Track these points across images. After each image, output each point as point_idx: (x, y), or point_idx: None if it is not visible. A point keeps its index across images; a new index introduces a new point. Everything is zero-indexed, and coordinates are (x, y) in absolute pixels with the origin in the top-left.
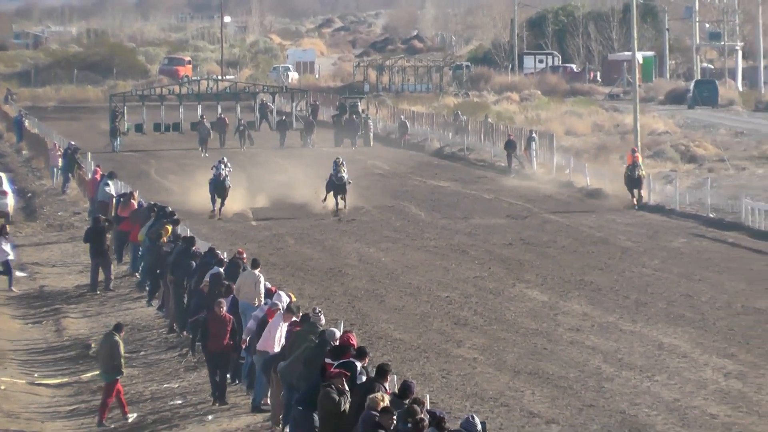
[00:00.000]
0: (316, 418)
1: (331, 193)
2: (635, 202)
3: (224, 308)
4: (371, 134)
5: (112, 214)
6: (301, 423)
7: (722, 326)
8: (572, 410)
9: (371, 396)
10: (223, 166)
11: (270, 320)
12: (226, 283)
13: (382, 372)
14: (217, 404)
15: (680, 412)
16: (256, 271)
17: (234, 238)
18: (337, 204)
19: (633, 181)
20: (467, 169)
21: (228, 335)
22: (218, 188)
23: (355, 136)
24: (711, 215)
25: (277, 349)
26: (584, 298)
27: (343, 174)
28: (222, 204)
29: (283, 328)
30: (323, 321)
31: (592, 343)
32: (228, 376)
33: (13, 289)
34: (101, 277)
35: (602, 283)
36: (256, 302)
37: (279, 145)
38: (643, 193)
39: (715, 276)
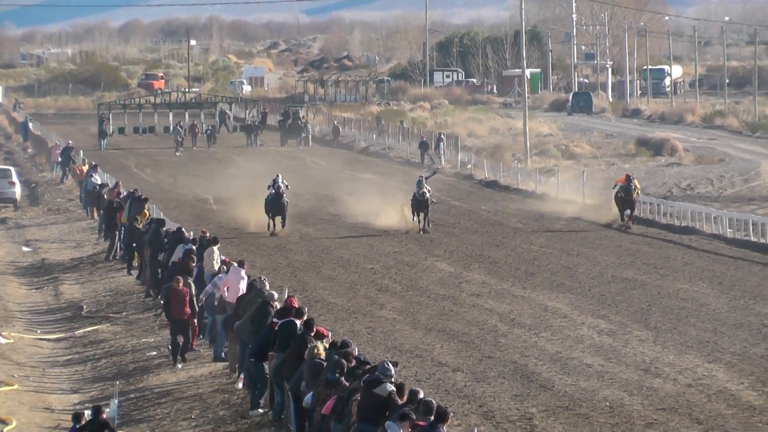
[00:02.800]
0: (266, 367)
1: (415, 211)
2: (628, 222)
3: (181, 283)
4: (310, 136)
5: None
6: (252, 372)
7: (596, 292)
8: (473, 360)
9: (312, 345)
10: (280, 182)
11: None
12: (195, 257)
13: (309, 325)
14: (180, 364)
15: (562, 362)
16: (215, 247)
17: (198, 221)
18: (420, 222)
19: (626, 203)
20: (388, 164)
21: (187, 305)
22: (276, 206)
23: (298, 137)
24: (587, 202)
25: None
26: (483, 269)
27: (426, 191)
28: (283, 221)
29: (242, 284)
30: (267, 287)
31: (490, 306)
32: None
33: None
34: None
35: (498, 257)
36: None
37: (247, 144)
38: (634, 214)
39: (590, 251)
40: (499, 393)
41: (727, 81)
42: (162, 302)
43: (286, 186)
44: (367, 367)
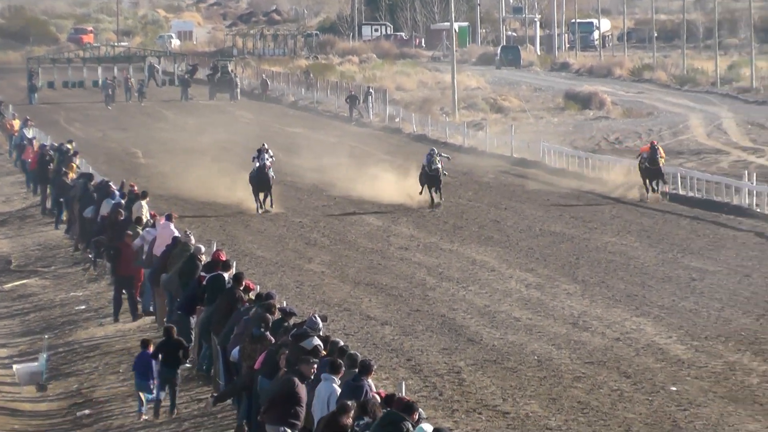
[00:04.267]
0: (192, 321)
1: (426, 185)
2: (655, 194)
3: (131, 239)
4: (238, 90)
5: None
6: (180, 325)
7: (524, 246)
8: (402, 314)
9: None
10: (266, 156)
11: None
12: (123, 210)
13: (237, 279)
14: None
15: (490, 316)
16: (143, 201)
17: (128, 174)
18: (432, 197)
19: (651, 173)
20: (317, 118)
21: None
22: (261, 181)
23: (229, 91)
24: (515, 155)
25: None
26: (411, 223)
27: (438, 165)
28: (270, 198)
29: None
30: (193, 241)
31: (418, 260)
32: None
33: None
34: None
35: (425, 211)
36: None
37: (180, 98)
38: (663, 186)
39: (518, 205)
40: (427, 347)
41: (656, 34)
42: (92, 254)
43: (272, 157)
44: (293, 320)
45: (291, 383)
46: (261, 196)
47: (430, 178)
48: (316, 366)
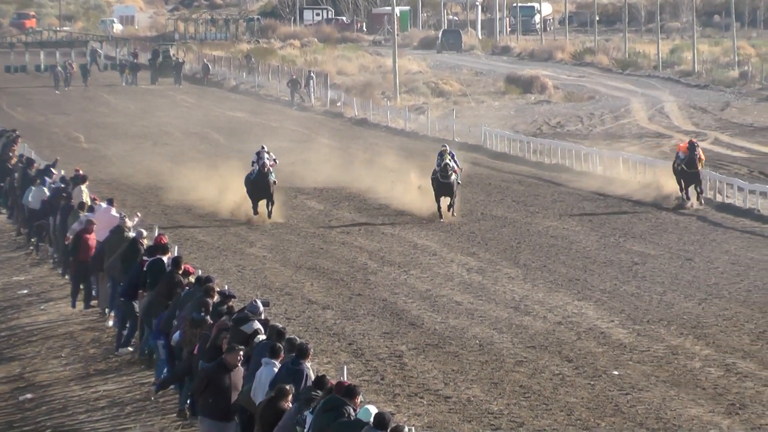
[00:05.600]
0: (136, 305)
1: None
2: (693, 199)
3: (94, 226)
4: (181, 74)
5: None
6: (122, 310)
7: (466, 230)
8: (343, 298)
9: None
10: (267, 156)
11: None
12: (65, 195)
13: (176, 263)
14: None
15: (431, 300)
16: (83, 186)
17: (70, 159)
18: (440, 208)
19: (688, 177)
20: (258, 102)
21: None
22: (259, 186)
23: (173, 76)
24: (456, 139)
25: None
26: (353, 207)
27: (450, 169)
28: (270, 205)
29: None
30: (129, 225)
31: (360, 244)
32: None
33: None
34: None
35: (368, 195)
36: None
37: (131, 82)
38: (702, 192)
39: (460, 189)
40: (368, 331)
41: (597, 18)
42: (35, 238)
43: (274, 160)
44: (231, 304)
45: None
46: (262, 204)
47: (440, 186)
48: (241, 354)
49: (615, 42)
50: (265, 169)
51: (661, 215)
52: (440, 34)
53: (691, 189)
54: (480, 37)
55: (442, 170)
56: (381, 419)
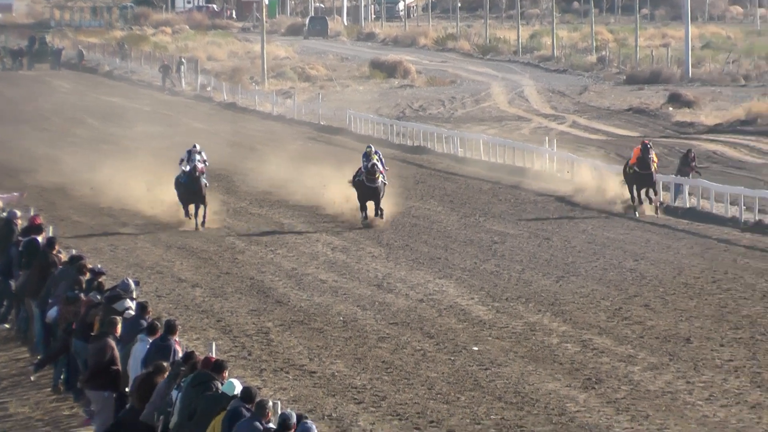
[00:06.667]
0: (12, 284)
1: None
2: (646, 205)
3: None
4: (60, 60)
5: None
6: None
7: (330, 211)
8: (212, 276)
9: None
10: (198, 157)
11: None
12: None
13: (51, 243)
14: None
15: (297, 278)
16: None
17: None
18: (364, 211)
19: (642, 180)
20: (132, 87)
21: None
22: (192, 191)
23: (51, 62)
24: (322, 123)
25: None
26: (222, 187)
27: (377, 169)
28: (204, 209)
29: None
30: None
31: (228, 224)
32: None
33: None
34: None
35: (236, 177)
36: None
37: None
38: (655, 197)
39: (326, 169)
40: (236, 308)
41: (459, 5)
42: None
43: (205, 162)
44: (101, 280)
45: (107, 350)
46: (192, 208)
47: (366, 190)
48: (120, 324)
49: (476, 28)
50: (196, 173)
51: (521, 195)
52: (307, 21)
53: (644, 194)
54: (345, 23)
55: (369, 172)
56: (247, 393)
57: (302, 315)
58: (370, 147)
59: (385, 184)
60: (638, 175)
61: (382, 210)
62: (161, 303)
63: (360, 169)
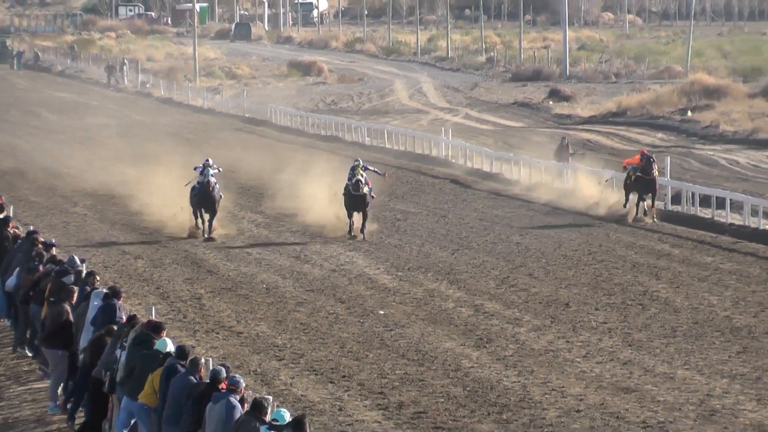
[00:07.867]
0: None
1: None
2: (644, 213)
3: None
4: (21, 62)
5: None
6: None
7: (254, 192)
8: (152, 249)
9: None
10: (211, 171)
11: None
12: None
13: (6, 221)
14: None
15: (226, 251)
16: None
17: None
18: (351, 224)
19: (643, 186)
20: (81, 85)
21: None
22: (206, 201)
23: (13, 63)
24: (247, 115)
25: None
26: (162, 173)
27: (361, 180)
28: (211, 219)
29: None
30: None
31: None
32: None
33: None
34: None
35: (173, 163)
36: None
37: None
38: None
39: (249, 155)
40: (173, 277)
41: (366, 12)
42: None
43: (219, 170)
44: (53, 252)
45: (63, 313)
46: (205, 217)
47: (352, 198)
48: (76, 291)
49: (381, 32)
50: (210, 187)
51: (420, 179)
52: (233, 27)
53: (644, 203)
54: (267, 28)
55: (354, 185)
56: (182, 351)
57: (230, 283)
58: (358, 161)
59: (373, 197)
60: (641, 180)
61: (366, 226)
62: (108, 272)
63: (347, 183)
